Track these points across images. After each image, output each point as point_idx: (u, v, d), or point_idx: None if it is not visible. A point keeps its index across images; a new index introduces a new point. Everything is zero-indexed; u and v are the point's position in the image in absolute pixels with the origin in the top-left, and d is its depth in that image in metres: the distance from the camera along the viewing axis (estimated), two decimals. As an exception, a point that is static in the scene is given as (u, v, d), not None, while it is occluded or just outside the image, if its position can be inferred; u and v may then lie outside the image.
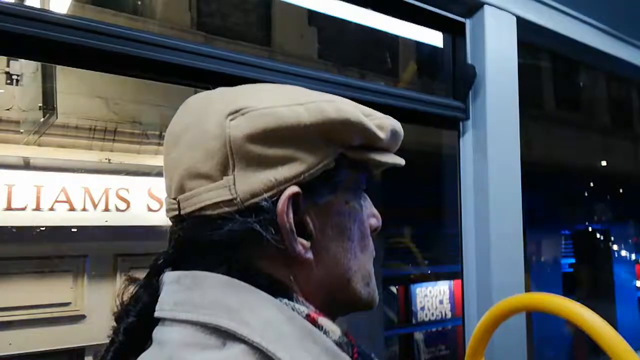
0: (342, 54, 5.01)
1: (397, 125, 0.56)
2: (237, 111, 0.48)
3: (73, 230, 3.80)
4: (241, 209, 0.47)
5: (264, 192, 0.47)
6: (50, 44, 0.82)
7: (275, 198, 0.47)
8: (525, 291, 1.40)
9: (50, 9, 0.80)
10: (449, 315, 3.69)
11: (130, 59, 0.89)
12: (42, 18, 0.80)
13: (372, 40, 5.08)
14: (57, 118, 3.55)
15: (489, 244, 1.35)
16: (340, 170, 0.52)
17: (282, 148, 0.48)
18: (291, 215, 0.48)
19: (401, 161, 0.58)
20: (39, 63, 3.35)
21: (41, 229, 3.61)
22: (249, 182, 0.47)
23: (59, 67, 3.38)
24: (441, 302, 3.87)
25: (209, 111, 0.50)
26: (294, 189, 0.48)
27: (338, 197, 0.53)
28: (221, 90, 0.54)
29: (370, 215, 0.59)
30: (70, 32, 0.83)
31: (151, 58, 0.91)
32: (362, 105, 0.54)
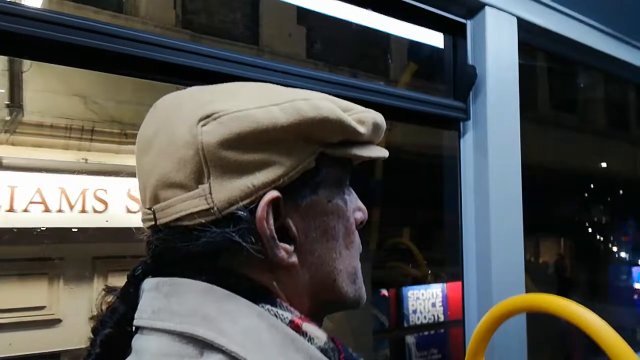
0: (332, 53, 4.86)
1: (378, 117, 0.55)
2: (208, 116, 0.45)
3: (49, 231, 3.66)
4: (219, 218, 0.45)
5: (242, 200, 0.45)
6: (50, 44, 0.82)
7: (254, 204, 0.46)
8: (526, 292, 1.40)
9: (24, 3, 0.79)
10: (442, 318, 3.65)
11: (130, 59, 0.90)
12: (43, 18, 0.80)
13: (363, 40, 4.97)
14: (23, 116, 3.42)
15: (490, 244, 1.35)
16: (320, 170, 0.50)
17: (258, 152, 0.45)
18: (271, 222, 0.46)
19: (385, 153, 0.56)
20: (7, 59, 3.27)
21: (14, 230, 3.48)
22: (226, 190, 0.45)
23: (35, 65, 3.29)
24: (434, 305, 3.84)
25: (179, 115, 0.47)
26: (274, 193, 0.46)
27: (320, 196, 0.51)
28: (190, 92, 0.51)
29: (356, 209, 0.57)
30: (72, 32, 0.83)
31: (150, 57, 0.91)
32: (341, 100, 0.52)
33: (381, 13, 1.36)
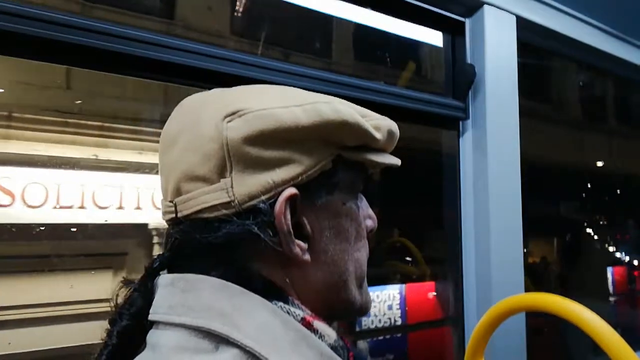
0: (262, 31, 4.34)
1: (393, 125, 0.56)
2: (234, 113, 0.47)
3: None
4: (239, 211, 0.47)
5: (262, 194, 0.47)
6: (50, 44, 0.82)
7: (272, 200, 0.47)
8: (525, 291, 1.40)
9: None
10: (399, 321, 3.54)
11: (130, 59, 0.90)
12: (42, 18, 0.80)
13: (301, 18, 4.47)
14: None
15: (489, 243, 1.35)
16: (337, 171, 0.52)
17: (279, 150, 0.47)
18: (289, 217, 0.48)
19: (397, 161, 0.58)
20: None
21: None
22: (247, 184, 0.47)
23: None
24: (390, 307, 3.73)
25: (205, 113, 0.49)
26: (292, 190, 0.48)
27: (335, 198, 0.53)
28: (216, 92, 0.53)
29: (366, 216, 0.58)
30: (72, 32, 0.83)
31: (150, 57, 0.91)
32: (358, 106, 0.54)
33: (380, 12, 1.36)
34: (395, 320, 3.55)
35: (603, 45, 1.74)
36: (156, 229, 3.28)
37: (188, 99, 0.55)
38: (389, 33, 1.41)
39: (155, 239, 3.29)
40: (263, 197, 0.47)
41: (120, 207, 3.21)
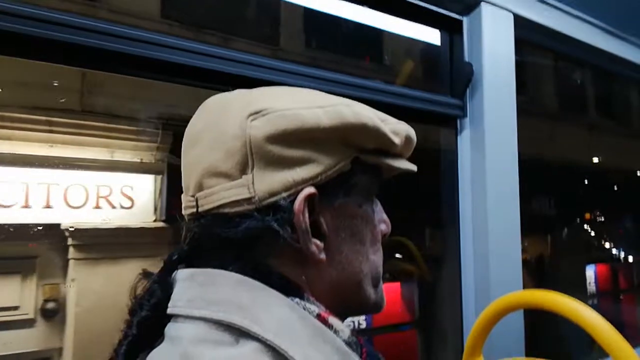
0: (196, 14, 3.96)
1: (411, 131, 0.58)
2: (258, 112, 0.48)
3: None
4: (259, 207, 0.48)
5: (282, 192, 0.48)
6: (50, 44, 0.82)
7: (292, 198, 0.48)
8: (523, 289, 1.40)
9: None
10: (364, 325, 3.46)
11: (130, 58, 0.90)
12: (42, 17, 0.80)
13: (243, 1, 4.25)
14: None
15: (487, 241, 1.35)
16: (355, 174, 0.53)
17: (300, 149, 0.49)
18: (307, 216, 0.49)
19: (413, 167, 0.59)
20: None
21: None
22: (268, 181, 0.48)
23: None
24: None
25: (229, 112, 0.51)
26: (311, 189, 0.49)
27: (352, 200, 0.54)
28: (239, 92, 0.55)
29: (381, 221, 0.60)
30: (72, 32, 0.83)
31: (151, 57, 0.91)
32: (378, 111, 0.55)
33: (378, 10, 1.35)
34: (359, 324, 3.44)
35: (601, 43, 1.74)
36: (69, 230, 3.05)
37: (211, 99, 0.56)
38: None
39: (70, 241, 3.08)
40: (284, 195, 0.48)
41: (26, 206, 2.97)
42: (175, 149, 3.54)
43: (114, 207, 3.33)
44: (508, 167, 1.41)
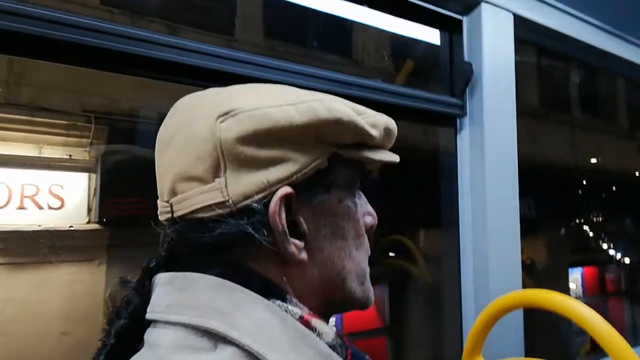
0: (141, 1, 3.70)
1: (390, 122, 0.56)
2: (227, 113, 0.47)
3: None
4: (233, 211, 0.47)
5: (256, 194, 0.47)
6: (51, 43, 0.82)
7: (267, 199, 0.47)
8: (523, 288, 1.40)
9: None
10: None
11: (130, 58, 0.90)
12: (42, 17, 0.80)
13: None
14: None
15: (487, 240, 1.35)
16: (333, 170, 0.52)
17: (273, 149, 0.47)
18: (284, 217, 0.48)
19: (395, 158, 0.57)
20: None
21: None
22: (241, 184, 0.47)
23: None
24: None
25: (199, 113, 0.49)
26: (287, 189, 0.48)
27: (332, 196, 0.53)
28: (210, 92, 0.53)
29: (366, 213, 0.58)
30: (72, 32, 0.82)
31: (151, 57, 0.91)
32: (354, 104, 0.54)
33: (377, 10, 1.35)
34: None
35: (601, 43, 1.74)
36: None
37: (182, 100, 0.55)
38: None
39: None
40: (258, 197, 0.47)
41: None
42: (110, 145, 3.33)
43: (41, 208, 3.12)
44: (507, 166, 1.41)
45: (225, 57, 0.99)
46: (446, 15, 1.43)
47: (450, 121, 1.46)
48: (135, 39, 0.89)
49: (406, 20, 1.42)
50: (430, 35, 1.50)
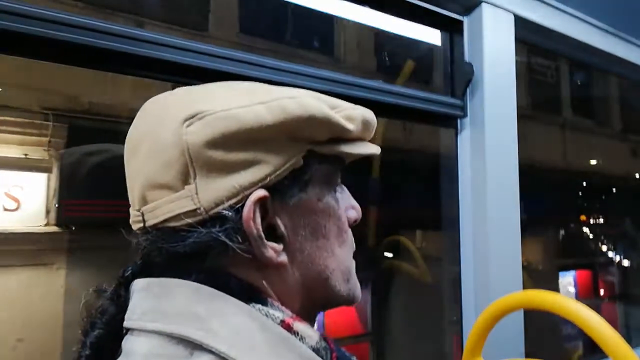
0: None
1: (367, 113, 0.54)
2: (193, 116, 0.45)
3: None
4: (206, 218, 0.45)
5: (228, 200, 0.45)
6: (51, 43, 0.82)
7: (241, 204, 0.45)
8: (523, 289, 1.40)
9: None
10: None
11: (131, 58, 0.89)
12: (42, 17, 0.80)
13: None
14: None
15: (487, 241, 1.35)
16: (309, 168, 0.50)
17: (244, 151, 0.45)
18: (259, 221, 0.46)
19: (376, 150, 0.55)
20: None
21: None
22: (212, 189, 0.45)
23: None
24: None
25: (165, 117, 0.47)
26: (261, 192, 0.46)
27: (309, 194, 0.51)
28: (178, 92, 0.51)
29: (349, 207, 0.57)
30: (72, 31, 0.82)
31: (152, 57, 0.90)
32: (329, 98, 0.52)
33: (378, 10, 1.35)
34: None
35: (601, 43, 1.74)
36: None
37: (150, 101, 0.52)
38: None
39: None
40: (230, 202, 0.45)
41: None
42: (71, 144, 3.18)
43: (-5, 210, 2.92)
44: (508, 166, 1.41)
45: (228, 57, 0.99)
46: (447, 16, 1.43)
47: (450, 122, 1.46)
48: (135, 39, 0.89)
49: (407, 21, 1.42)
50: (431, 35, 1.50)
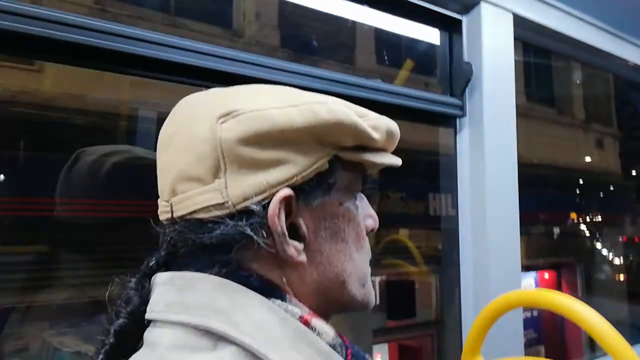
0: None
1: (392, 125, 0.56)
2: (228, 114, 0.47)
3: None
4: (233, 212, 0.47)
5: (256, 196, 0.47)
6: (51, 43, 0.82)
7: (267, 201, 0.47)
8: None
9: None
10: None
11: (132, 58, 0.89)
12: (42, 17, 0.80)
13: None
14: None
15: (486, 240, 1.35)
16: (334, 172, 0.52)
17: (274, 150, 0.47)
18: (283, 219, 0.48)
19: (397, 161, 0.57)
20: None
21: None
22: (241, 185, 0.47)
23: None
24: None
25: (200, 114, 0.49)
26: (286, 191, 0.48)
27: (332, 198, 0.53)
28: (213, 92, 0.53)
29: (367, 215, 0.58)
30: (72, 31, 0.82)
31: (152, 57, 0.91)
32: (356, 106, 0.54)
33: (377, 9, 1.35)
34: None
35: (600, 43, 1.74)
36: None
37: (184, 99, 0.55)
38: None
39: None
40: (257, 198, 0.47)
41: None
42: None
43: None
44: (507, 166, 1.41)
45: (227, 57, 0.99)
46: (446, 15, 1.43)
47: (450, 121, 1.46)
48: (135, 39, 0.89)
49: (406, 20, 1.42)
50: (430, 34, 1.50)
